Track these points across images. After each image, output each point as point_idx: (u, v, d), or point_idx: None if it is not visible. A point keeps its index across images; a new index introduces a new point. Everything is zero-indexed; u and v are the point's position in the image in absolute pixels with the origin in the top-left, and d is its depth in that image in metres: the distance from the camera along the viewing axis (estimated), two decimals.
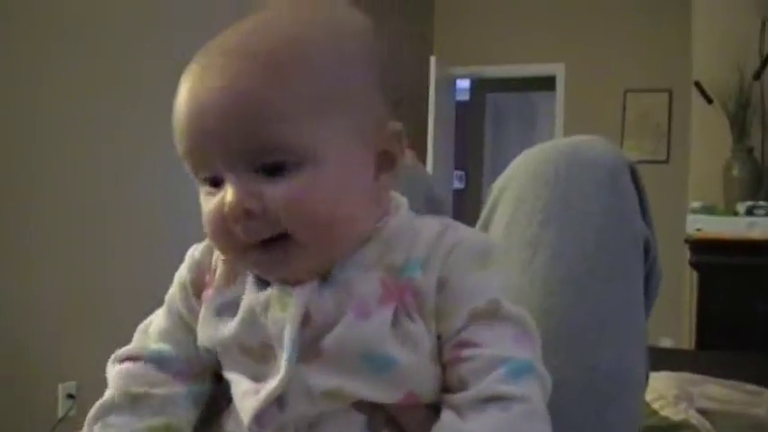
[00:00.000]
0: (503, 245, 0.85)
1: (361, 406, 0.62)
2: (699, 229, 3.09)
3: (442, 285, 0.62)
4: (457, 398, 0.60)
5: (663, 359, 1.77)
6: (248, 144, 0.59)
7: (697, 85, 3.54)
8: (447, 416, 0.60)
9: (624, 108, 5.52)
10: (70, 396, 2.70)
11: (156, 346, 0.71)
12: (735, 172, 3.37)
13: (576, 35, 5.65)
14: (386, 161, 0.66)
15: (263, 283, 0.65)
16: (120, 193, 2.89)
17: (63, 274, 2.62)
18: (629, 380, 0.82)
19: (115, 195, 2.86)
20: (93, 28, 2.73)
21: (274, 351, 0.63)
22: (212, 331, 0.67)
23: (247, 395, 0.64)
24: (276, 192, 0.59)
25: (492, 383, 0.59)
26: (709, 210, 3.22)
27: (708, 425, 1.33)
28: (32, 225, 2.54)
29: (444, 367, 0.63)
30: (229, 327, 0.65)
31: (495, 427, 0.57)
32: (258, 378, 0.64)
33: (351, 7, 0.70)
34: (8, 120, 2.43)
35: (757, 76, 3.30)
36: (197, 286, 0.70)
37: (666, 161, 5.29)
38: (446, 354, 0.62)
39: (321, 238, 0.61)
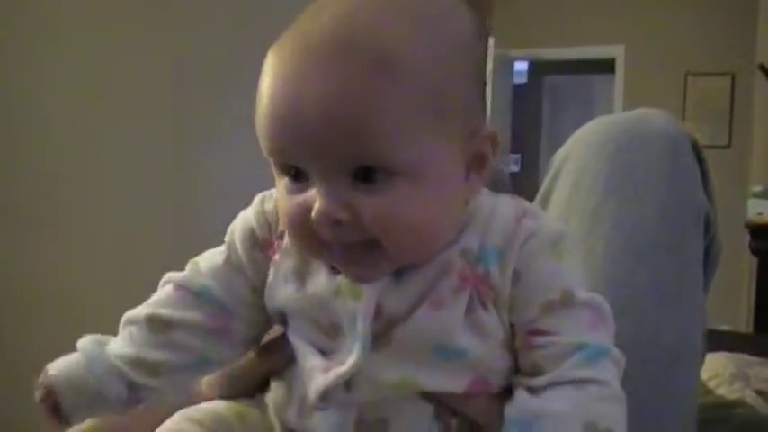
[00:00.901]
0: (564, 214, 0.87)
1: (429, 395, 0.62)
2: (760, 214, 3.04)
3: (516, 277, 0.61)
4: (532, 381, 0.60)
5: (720, 341, 1.75)
6: (346, 149, 0.55)
7: (761, 67, 3.48)
8: (521, 394, 0.60)
9: (685, 92, 5.42)
10: None
11: (205, 281, 0.69)
12: None
13: (637, 16, 5.56)
14: (477, 162, 0.62)
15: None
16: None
17: (82, 261, 2.66)
18: (688, 350, 0.83)
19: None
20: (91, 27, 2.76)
21: (344, 331, 0.62)
22: (282, 298, 0.66)
23: (315, 371, 0.63)
24: (369, 203, 0.56)
25: (568, 369, 0.58)
26: None
27: (764, 405, 1.32)
28: (61, 205, 2.59)
29: (517, 352, 0.62)
30: (300, 300, 0.64)
31: (570, 403, 0.58)
32: (326, 350, 0.64)
33: None
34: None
35: None
36: (263, 240, 0.68)
37: (728, 146, 5.19)
38: (519, 340, 0.62)
39: (410, 248, 0.59)
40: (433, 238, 0.60)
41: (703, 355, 0.89)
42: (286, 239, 0.66)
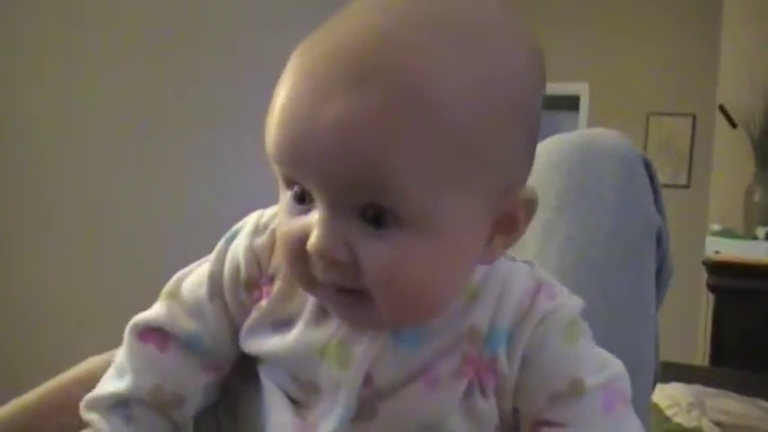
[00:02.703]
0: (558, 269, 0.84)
1: None
2: (717, 252, 3.07)
3: (524, 364, 0.56)
4: None
5: (677, 373, 1.75)
6: (356, 180, 0.48)
7: (722, 108, 3.54)
8: None
9: (647, 131, 5.50)
10: None
11: (187, 325, 0.63)
12: (756, 197, 3.36)
13: (602, 55, 5.64)
14: (504, 224, 0.55)
15: (324, 310, 0.58)
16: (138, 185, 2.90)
17: (74, 265, 2.63)
18: (640, 367, 0.83)
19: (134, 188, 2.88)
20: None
21: (323, 393, 0.58)
22: (263, 346, 0.61)
23: (286, 429, 0.59)
24: (373, 250, 0.50)
25: None
26: (728, 233, 3.20)
27: None
28: (46, 217, 2.55)
29: None
30: (280, 353, 0.59)
31: None
32: (299, 401, 0.60)
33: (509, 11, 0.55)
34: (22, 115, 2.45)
35: None
36: (250, 281, 0.62)
37: (687, 186, 5.26)
38: (526, 429, 0.58)
39: (404, 310, 0.53)
40: (432, 303, 0.53)
41: (656, 374, 0.88)
42: (276, 285, 0.60)
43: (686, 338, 3.69)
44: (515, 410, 0.58)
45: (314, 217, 0.51)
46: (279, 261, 0.60)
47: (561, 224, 0.85)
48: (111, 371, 0.64)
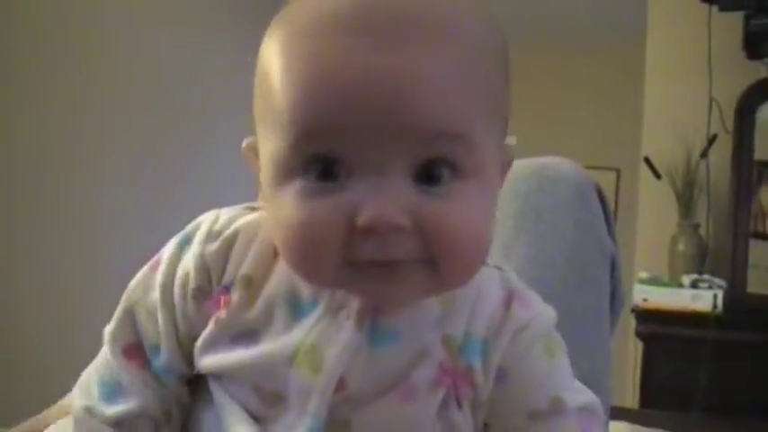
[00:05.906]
0: None
1: None
2: (645, 300, 3.12)
3: (501, 376, 0.55)
4: None
5: (609, 414, 1.77)
6: (433, 131, 0.46)
7: (646, 160, 3.64)
8: None
9: None
10: None
11: (153, 337, 0.59)
12: (680, 247, 3.44)
13: (530, 110, 5.77)
14: (501, 173, 0.57)
15: (293, 316, 0.54)
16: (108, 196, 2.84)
17: (78, 268, 2.56)
18: (598, 389, 0.82)
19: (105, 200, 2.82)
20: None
21: (288, 403, 0.54)
22: (222, 360, 0.57)
23: None
24: (438, 209, 0.47)
25: None
26: (655, 281, 3.27)
27: None
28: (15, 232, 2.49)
29: None
30: (244, 362, 0.55)
31: None
32: (259, 416, 0.56)
33: None
34: None
35: (704, 154, 3.39)
36: (199, 291, 0.58)
37: None
38: None
39: (467, 269, 0.51)
40: (483, 258, 0.52)
41: (608, 402, 0.88)
42: (236, 295, 0.55)
43: (617, 385, 3.73)
44: (485, 426, 0.57)
45: (347, 193, 0.47)
46: (236, 269, 0.57)
47: (518, 245, 0.85)
48: (94, 388, 0.60)
